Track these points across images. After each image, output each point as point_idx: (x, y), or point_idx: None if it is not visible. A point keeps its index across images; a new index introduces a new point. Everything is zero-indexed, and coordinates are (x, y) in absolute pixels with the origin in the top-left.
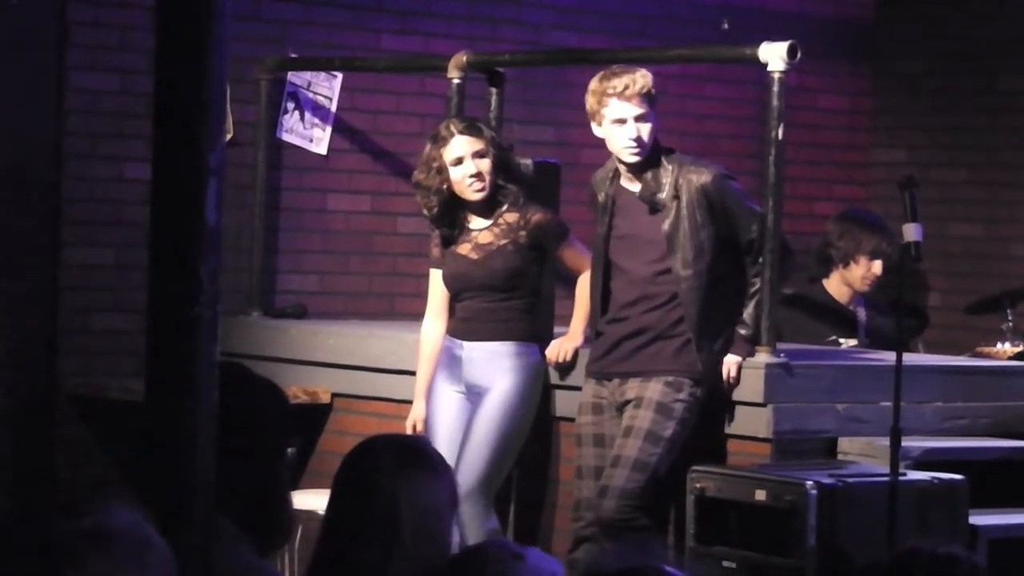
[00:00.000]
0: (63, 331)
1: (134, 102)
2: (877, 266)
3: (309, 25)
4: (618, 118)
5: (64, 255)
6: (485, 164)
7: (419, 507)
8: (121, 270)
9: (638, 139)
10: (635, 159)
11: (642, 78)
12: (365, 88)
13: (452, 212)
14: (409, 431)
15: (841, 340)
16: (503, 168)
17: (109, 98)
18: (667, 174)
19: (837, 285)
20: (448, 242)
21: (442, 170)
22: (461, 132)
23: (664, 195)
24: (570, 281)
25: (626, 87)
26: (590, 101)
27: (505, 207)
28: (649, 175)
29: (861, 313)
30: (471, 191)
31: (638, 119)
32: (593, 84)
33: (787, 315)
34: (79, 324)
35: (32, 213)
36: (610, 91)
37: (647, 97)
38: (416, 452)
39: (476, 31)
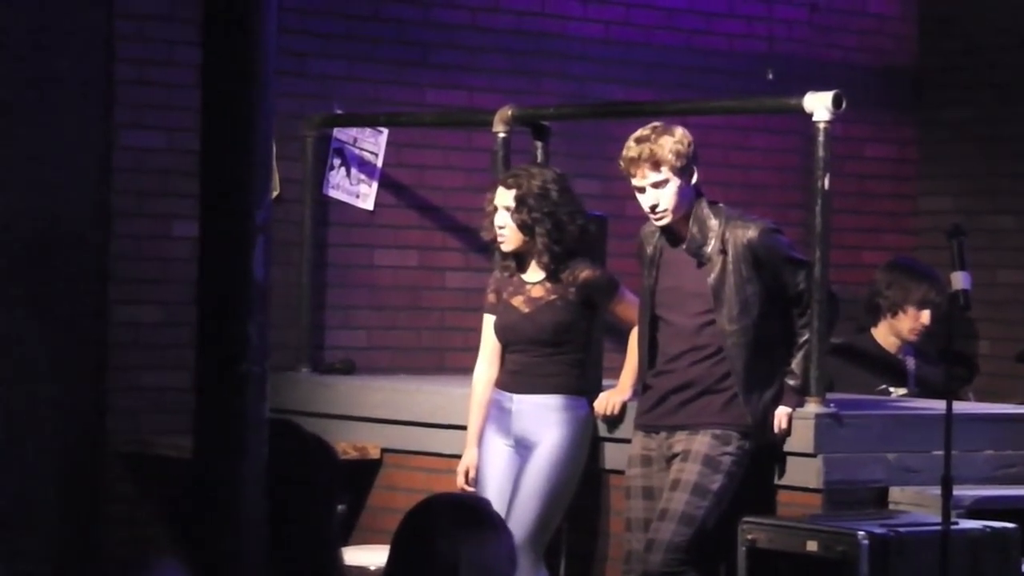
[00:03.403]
0: (111, 389)
1: (181, 160)
2: (926, 315)
3: (353, 81)
4: (636, 186)
5: (112, 313)
6: (508, 220)
7: (478, 567)
8: (169, 327)
9: (654, 207)
10: (661, 222)
11: (653, 144)
12: (411, 143)
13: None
14: (460, 478)
15: (891, 389)
16: (527, 229)
17: (156, 156)
18: (714, 227)
19: (886, 334)
20: (506, 273)
21: (490, 213)
22: (500, 183)
23: (710, 248)
24: (620, 333)
25: (632, 159)
26: None
27: (543, 275)
28: (695, 228)
29: (910, 362)
30: (498, 239)
31: (655, 185)
32: None
33: (836, 365)
34: (127, 382)
35: (80, 271)
36: (622, 163)
37: (659, 163)
38: (476, 512)
39: (520, 84)
